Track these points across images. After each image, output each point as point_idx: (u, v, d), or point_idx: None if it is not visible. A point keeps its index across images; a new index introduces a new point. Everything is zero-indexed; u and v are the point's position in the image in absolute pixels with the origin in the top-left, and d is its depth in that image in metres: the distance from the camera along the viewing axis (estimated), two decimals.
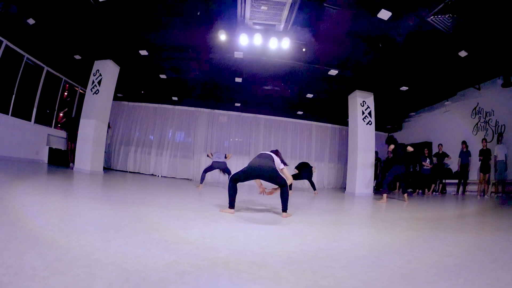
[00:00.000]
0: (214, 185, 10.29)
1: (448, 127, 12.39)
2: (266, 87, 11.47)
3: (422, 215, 5.51)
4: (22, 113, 9.75)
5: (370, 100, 10.84)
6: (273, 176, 4.13)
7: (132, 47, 8.98)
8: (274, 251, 2.35)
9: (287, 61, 8.93)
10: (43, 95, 10.61)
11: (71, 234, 2.28)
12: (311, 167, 9.91)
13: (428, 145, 12.91)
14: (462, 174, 10.93)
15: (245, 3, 6.57)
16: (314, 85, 10.93)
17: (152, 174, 13.57)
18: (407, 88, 10.48)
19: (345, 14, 6.66)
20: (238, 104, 13.88)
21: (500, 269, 2.22)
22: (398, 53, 8.10)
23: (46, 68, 10.53)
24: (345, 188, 11.59)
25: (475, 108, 11.15)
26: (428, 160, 11.67)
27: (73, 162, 9.91)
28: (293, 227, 3.49)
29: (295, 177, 9.47)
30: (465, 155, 10.80)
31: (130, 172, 13.50)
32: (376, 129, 11.21)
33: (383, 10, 6.40)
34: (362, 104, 10.72)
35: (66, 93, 12.32)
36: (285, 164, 4.50)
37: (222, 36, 7.72)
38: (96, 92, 9.74)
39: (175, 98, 13.70)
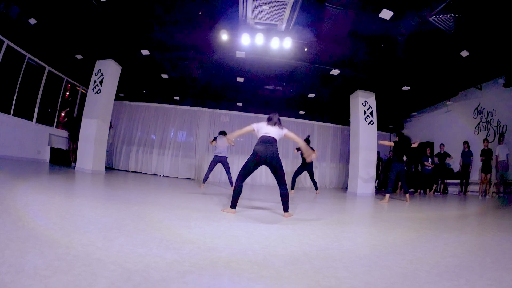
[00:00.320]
0: (216, 185, 10.29)
1: (449, 127, 12.37)
2: (268, 87, 11.47)
3: (424, 215, 5.51)
4: (24, 112, 9.75)
5: (372, 99, 10.83)
6: (278, 167, 4.19)
7: (134, 47, 8.98)
8: (276, 251, 2.36)
9: (289, 60, 8.93)
10: (45, 94, 10.61)
11: (72, 234, 2.28)
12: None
13: (430, 145, 12.87)
14: (464, 174, 10.90)
15: (247, 3, 6.57)
16: (316, 84, 10.92)
17: (154, 174, 13.56)
18: (409, 88, 10.46)
19: (346, 13, 6.65)
20: (240, 104, 13.88)
21: (502, 270, 2.22)
22: (400, 53, 8.08)
23: (48, 68, 10.54)
24: (346, 188, 11.58)
25: (476, 108, 11.12)
26: (430, 160, 11.66)
27: (75, 162, 9.92)
28: (294, 227, 3.49)
29: (296, 172, 9.45)
30: (467, 155, 10.77)
31: (131, 171, 13.49)
32: (378, 129, 11.18)
33: (384, 9, 6.40)
34: (364, 104, 10.71)
35: (68, 93, 12.33)
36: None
37: (224, 36, 7.72)
38: (98, 91, 9.75)
39: (177, 98, 13.70)
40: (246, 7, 6.73)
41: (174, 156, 13.96)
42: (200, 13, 7.07)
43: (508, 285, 1.89)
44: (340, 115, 14.09)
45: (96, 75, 9.88)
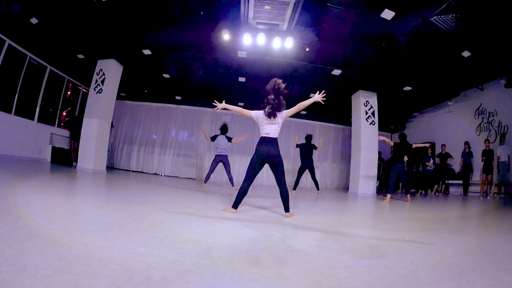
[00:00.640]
0: (217, 185, 10.29)
1: (451, 127, 12.35)
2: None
3: (425, 215, 5.51)
4: (25, 112, 9.78)
5: (373, 100, 10.82)
6: (279, 165, 4.22)
7: (135, 47, 8.99)
8: (277, 251, 2.36)
9: (290, 60, 8.93)
10: (46, 94, 10.64)
11: (73, 233, 2.28)
12: (314, 146, 9.61)
13: (431, 145, 12.85)
14: (464, 175, 10.88)
15: (248, 3, 6.57)
16: (318, 84, 10.88)
17: (155, 174, 13.57)
18: (410, 88, 10.45)
19: (348, 13, 6.64)
20: (241, 104, 13.82)
21: (502, 271, 2.22)
22: (402, 53, 8.07)
23: (49, 67, 10.56)
24: (348, 188, 11.57)
25: (478, 109, 11.10)
26: (431, 161, 11.65)
27: (76, 161, 9.94)
28: (296, 227, 3.49)
29: (299, 172, 9.45)
30: (467, 155, 10.75)
31: (133, 171, 13.50)
32: (379, 129, 11.19)
33: (386, 10, 6.39)
34: (365, 104, 10.70)
35: (69, 92, 12.35)
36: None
37: (225, 36, 7.73)
38: (100, 91, 9.75)
39: (178, 98, 13.70)
40: (248, 7, 6.73)
41: (176, 155, 13.97)
42: (201, 13, 7.08)
43: (508, 286, 1.89)
44: (341, 115, 14.06)
45: (97, 74, 9.88)
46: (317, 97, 4.26)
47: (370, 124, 10.64)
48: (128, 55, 9.67)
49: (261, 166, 4.27)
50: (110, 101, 10.20)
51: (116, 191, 5.72)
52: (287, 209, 4.22)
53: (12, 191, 3.83)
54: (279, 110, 4.23)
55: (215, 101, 4.74)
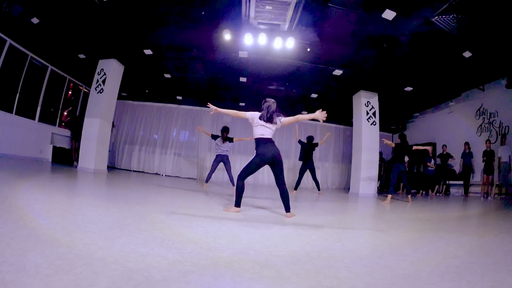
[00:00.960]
0: (218, 184, 10.30)
1: (452, 128, 12.33)
2: (270, 87, 11.45)
3: (426, 216, 5.50)
4: (26, 111, 9.78)
5: (374, 100, 10.81)
6: (280, 165, 4.27)
7: (136, 46, 9.00)
8: (278, 251, 2.36)
9: (291, 61, 8.92)
10: (47, 94, 10.64)
11: (74, 233, 2.29)
12: (316, 144, 9.63)
13: (432, 145, 12.83)
14: (465, 176, 10.87)
15: (249, 3, 6.57)
16: (319, 85, 10.91)
17: (156, 173, 13.58)
18: (412, 88, 10.44)
19: (349, 14, 6.64)
20: (242, 104, 13.86)
21: (503, 271, 2.22)
22: (403, 53, 8.06)
23: (50, 67, 10.57)
24: (349, 188, 11.57)
25: (479, 109, 11.09)
26: (432, 161, 11.64)
27: (77, 161, 9.94)
28: (296, 227, 3.49)
29: (301, 173, 9.45)
30: (467, 156, 10.73)
31: (134, 171, 13.52)
32: (381, 129, 11.19)
33: (387, 10, 6.39)
34: (366, 104, 10.69)
35: (70, 92, 12.35)
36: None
37: (226, 36, 7.73)
38: (101, 91, 9.76)
39: (179, 98, 13.71)
40: (249, 7, 6.73)
41: (177, 155, 13.98)
42: (203, 13, 7.08)
43: (509, 287, 1.89)
44: (342, 116, 14.04)
45: (98, 74, 9.89)
46: (318, 115, 4.27)
47: (371, 124, 10.64)
48: (129, 55, 9.67)
49: (258, 168, 4.29)
50: (111, 101, 10.21)
51: (117, 191, 5.73)
52: (288, 209, 4.23)
53: (12, 190, 3.83)
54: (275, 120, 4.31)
55: (208, 104, 4.73)
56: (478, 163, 10.45)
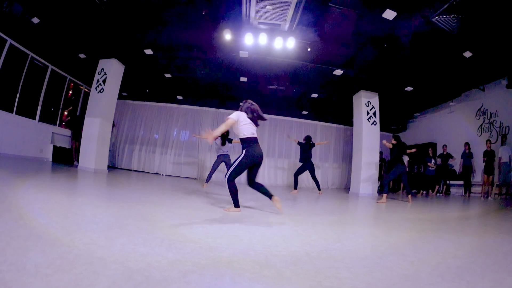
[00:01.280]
0: (219, 184, 10.29)
1: (452, 128, 12.33)
2: (271, 87, 11.45)
3: (426, 216, 5.50)
4: (26, 111, 9.79)
5: (375, 100, 10.81)
6: (261, 163, 4.38)
7: (137, 46, 9.00)
8: (278, 251, 2.35)
9: (292, 60, 8.93)
10: (48, 93, 10.65)
11: (74, 232, 2.29)
12: (313, 145, 9.54)
13: (433, 145, 12.81)
14: (465, 176, 10.86)
15: (250, 3, 6.58)
16: (319, 85, 10.91)
17: (157, 173, 13.58)
18: (412, 88, 10.45)
19: (350, 14, 6.65)
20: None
21: (503, 272, 2.21)
22: (403, 53, 8.07)
23: (51, 66, 10.57)
24: (349, 188, 11.57)
25: (479, 109, 11.09)
26: (433, 161, 11.64)
27: (78, 161, 9.95)
28: (296, 227, 3.49)
29: (298, 171, 9.45)
30: (467, 156, 10.72)
31: (134, 170, 13.52)
32: (381, 129, 11.19)
33: (388, 10, 6.39)
34: (367, 104, 10.69)
35: (70, 92, 12.35)
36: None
37: (227, 36, 7.73)
38: (101, 90, 9.77)
39: (180, 97, 13.71)
40: (250, 7, 6.74)
41: (177, 155, 13.97)
42: (203, 13, 7.08)
43: (509, 287, 1.89)
44: (343, 115, 14.04)
45: (99, 74, 9.90)
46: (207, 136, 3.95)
47: (371, 124, 10.64)
48: (130, 55, 9.68)
49: (246, 169, 4.29)
50: (112, 100, 10.22)
51: (117, 191, 5.73)
52: (270, 196, 4.33)
53: (13, 190, 3.83)
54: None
55: (198, 135, 4.66)
56: (479, 163, 10.45)
